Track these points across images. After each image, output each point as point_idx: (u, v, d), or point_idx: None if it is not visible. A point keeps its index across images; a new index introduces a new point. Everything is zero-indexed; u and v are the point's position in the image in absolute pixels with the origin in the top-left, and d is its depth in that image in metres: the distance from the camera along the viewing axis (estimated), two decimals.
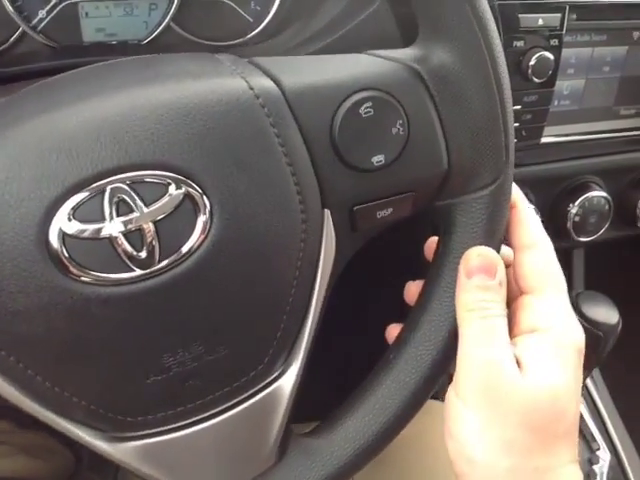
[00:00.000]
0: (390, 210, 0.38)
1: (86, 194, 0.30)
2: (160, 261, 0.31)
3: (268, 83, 0.35)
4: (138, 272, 0.31)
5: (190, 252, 0.31)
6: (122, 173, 0.30)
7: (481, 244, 0.38)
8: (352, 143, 0.35)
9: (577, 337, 0.37)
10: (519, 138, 0.60)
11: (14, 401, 0.33)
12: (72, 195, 0.30)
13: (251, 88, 0.34)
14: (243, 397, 0.36)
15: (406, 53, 0.38)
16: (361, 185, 0.36)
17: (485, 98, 0.37)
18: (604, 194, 0.67)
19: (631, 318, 0.71)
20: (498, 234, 0.40)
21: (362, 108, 0.35)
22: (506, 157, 0.38)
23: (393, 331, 0.44)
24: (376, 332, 0.48)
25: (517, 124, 0.59)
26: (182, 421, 0.35)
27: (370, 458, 0.39)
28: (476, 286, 0.37)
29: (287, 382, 0.37)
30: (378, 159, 0.36)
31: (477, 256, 0.37)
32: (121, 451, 0.35)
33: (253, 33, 0.58)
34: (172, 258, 0.31)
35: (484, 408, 0.35)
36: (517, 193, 0.40)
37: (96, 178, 0.30)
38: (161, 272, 0.31)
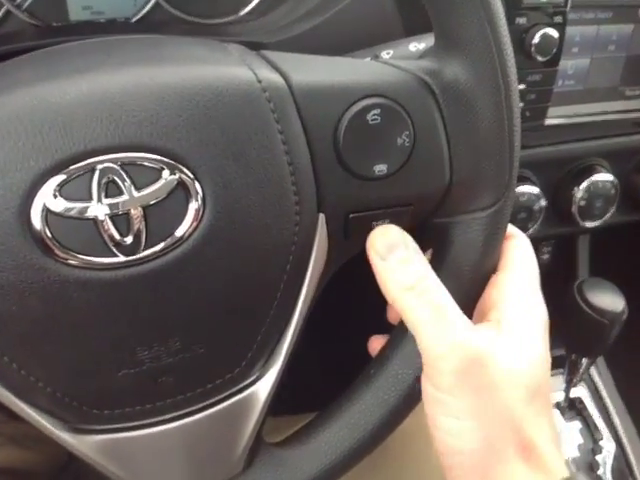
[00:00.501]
0: (386, 221, 0.36)
1: (75, 171, 0.28)
2: (145, 249, 0.29)
3: (276, 78, 0.33)
4: (121, 258, 0.29)
5: (177, 242, 0.30)
6: (115, 153, 0.29)
7: (475, 265, 0.38)
8: (355, 149, 0.34)
9: (543, 314, 0.37)
10: (523, 119, 0.57)
11: None
12: (60, 171, 0.28)
13: (259, 81, 0.32)
14: (216, 399, 0.35)
15: (419, 65, 0.37)
16: (359, 193, 0.35)
17: (494, 118, 0.36)
18: (610, 177, 0.65)
19: (636, 305, 0.69)
20: (493, 256, 0.39)
21: (369, 114, 0.34)
22: (509, 179, 0.37)
23: (375, 343, 0.43)
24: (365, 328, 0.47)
25: (521, 104, 0.57)
26: (150, 419, 0.34)
27: (340, 474, 0.38)
28: (396, 263, 0.35)
29: (263, 388, 0.36)
30: (380, 168, 0.35)
31: (381, 235, 0.36)
32: (83, 444, 0.33)
33: (244, 11, 0.56)
34: (158, 247, 0.30)
35: (471, 394, 0.33)
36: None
37: (87, 155, 0.29)
38: (145, 260, 0.30)
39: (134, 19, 0.54)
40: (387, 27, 0.53)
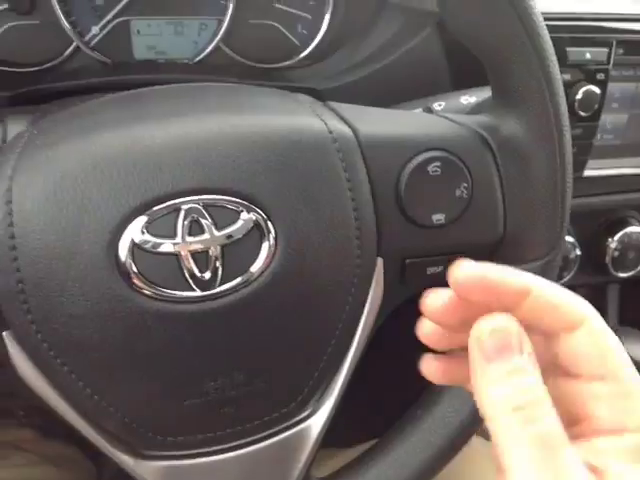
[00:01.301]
0: (440, 268, 0.38)
1: (162, 210, 0.30)
2: (221, 284, 0.31)
3: (345, 129, 0.35)
4: (198, 293, 0.31)
5: (250, 279, 0.31)
6: (200, 194, 0.31)
7: None
8: (416, 198, 0.36)
9: None
10: None
11: (50, 402, 0.33)
12: (148, 209, 0.30)
13: (330, 132, 0.35)
14: (272, 432, 0.36)
15: (477, 120, 0.39)
16: (417, 240, 0.37)
17: (548, 174, 0.37)
18: None
19: None
20: None
21: (430, 166, 0.36)
22: (560, 232, 0.39)
23: (429, 363, 0.33)
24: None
25: None
26: (209, 447, 0.35)
27: None
28: (507, 372, 0.26)
29: (316, 423, 0.37)
30: (438, 217, 0.36)
31: (492, 331, 0.27)
32: (144, 468, 0.34)
33: (300, 56, 0.58)
34: (233, 283, 0.31)
35: None
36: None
37: (174, 196, 0.31)
38: (220, 296, 0.31)
39: (194, 61, 0.57)
40: (436, 77, 0.55)
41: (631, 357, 0.65)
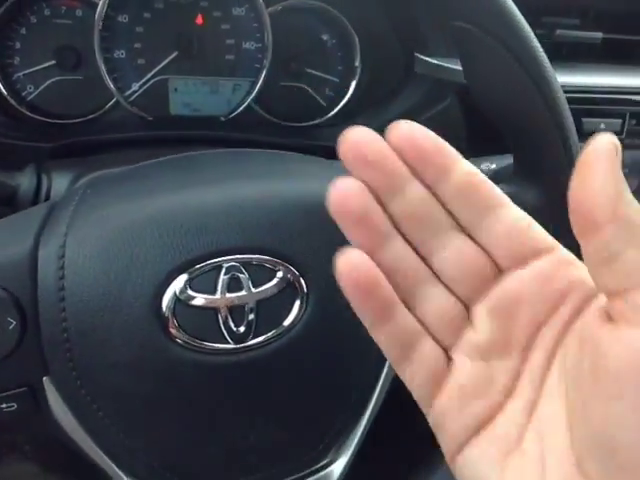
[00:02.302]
0: None
1: (205, 267, 0.32)
2: (254, 337, 0.33)
3: None
4: (232, 345, 0.33)
5: (281, 334, 0.33)
6: (240, 254, 0.33)
7: None
8: None
9: None
10: None
11: (83, 446, 0.34)
12: (192, 266, 0.32)
13: None
14: (292, 479, 0.37)
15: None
16: None
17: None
18: None
19: None
20: None
21: None
22: None
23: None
24: None
25: None
26: None
27: None
28: None
29: (335, 471, 0.38)
30: None
31: None
32: None
33: (326, 116, 0.61)
34: (264, 337, 0.33)
35: None
36: None
37: (217, 254, 0.33)
38: (252, 348, 0.33)
39: (227, 118, 0.60)
40: (455, 143, 0.57)
41: None
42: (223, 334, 0.32)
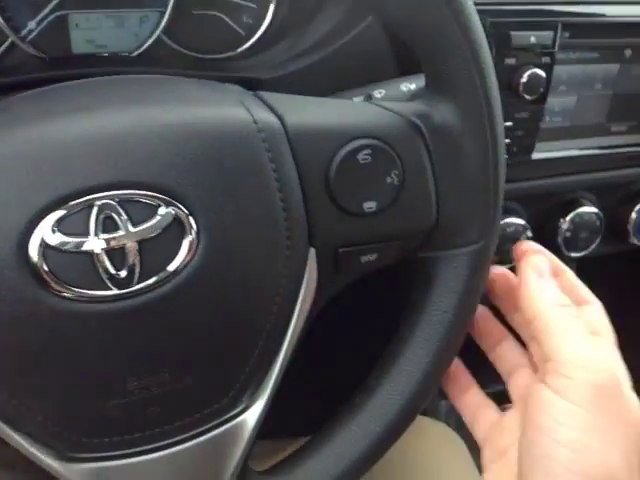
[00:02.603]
0: (374, 256, 0.38)
1: (73, 207, 0.30)
2: (139, 282, 0.31)
3: (272, 119, 0.35)
4: (115, 291, 0.31)
5: (170, 276, 0.31)
6: (114, 190, 0.30)
7: (459, 301, 0.39)
8: (346, 187, 0.36)
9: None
10: (510, 154, 0.60)
11: None
12: (59, 207, 0.30)
13: (255, 122, 0.34)
14: (203, 429, 0.36)
15: (410, 107, 0.38)
16: (349, 229, 0.37)
17: (480, 161, 0.38)
18: (595, 210, 0.67)
19: (626, 332, 0.71)
20: (477, 292, 0.41)
21: (360, 154, 0.36)
22: (493, 217, 0.39)
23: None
24: (362, 351, 0.48)
25: (508, 140, 0.59)
26: (138, 447, 0.35)
27: None
28: (555, 284, 0.39)
29: (250, 418, 0.37)
30: (369, 205, 0.36)
31: (544, 259, 0.40)
32: (72, 472, 0.34)
33: (244, 46, 0.57)
34: (151, 280, 0.31)
35: (606, 412, 0.33)
36: (557, 261, 0.43)
37: (87, 192, 0.30)
38: (138, 293, 0.31)
39: (135, 53, 0.56)
40: (382, 66, 0.54)
41: None
42: (103, 280, 0.30)
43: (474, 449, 0.73)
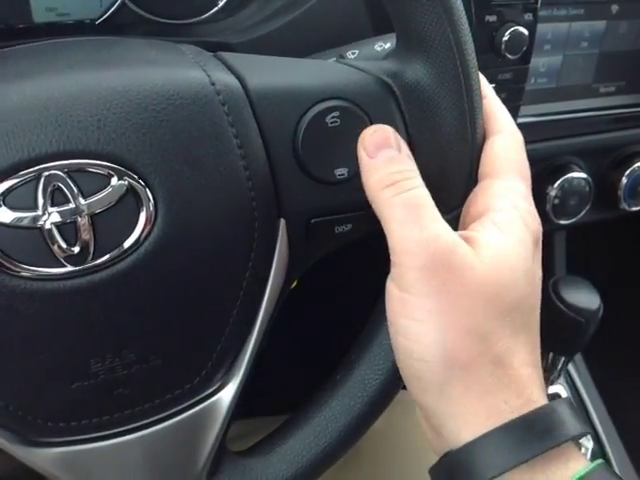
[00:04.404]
0: (349, 226, 0.36)
1: (19, 179, 0.28)
2: (94, 258, 0.29)
3: (231, 80, 0.33)
4: (69, 268, 0.29)
5: (127, 251, 0.29)
6: (61, 160, 0.28)
7: None
8: (315, 152, 0.34)
9: (534, 224, 0.34)
10: None
11: None
12: (3, 179, 0.28)
13: (212, 83, 0.32)
14: (175, 410, 0.34)
15: (380, 66, 0.36)
16: (321, 198, 0.35)
17: (455, 120, 0.35)
18: (584, 175, 0.65)
19: (614, 302, 0.69)
20: None
21: (328, 117, 0.34)
22: (473, 180, 0.37)
23: None
24: (344, 328, 0.47)
25: None
26: (107, 430, 0.33)
27: None
28: (382, 161, 0.33)
29: (225, 397, 0.35)
30: (341, 172, 0.34)
31: (373, 132, 0.34)
32: (39, 457, 0.33)
33: (212, 11, 0.55)
34: (107, 256, 0.29)
35: (434, 294, 0.31)
36: (485, 83, 0.38)
37: (32, 163, 0.28)
38: (94, 270, 0.29)
39: (99, 20, 0.53)
40: (356, 26, 0.52)
41: (575, 305, 0.64)
42: (56, 257, 0.28)
43: None
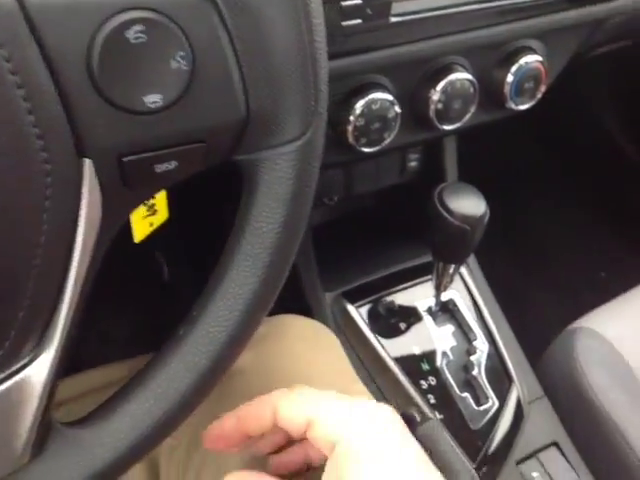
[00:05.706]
0: (174, 164, 0.31)
1: None
2: None
3: None
4: None
5: None
6: None
7: (286, 207, 0.34)
8: (117, 76, 0.28)
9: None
10: (365, 18, 0.53)
11: None
12: None
13: None
14: None
15: None
16: (131, 131, 0.30)
17: (290, 32, 0.31)
18: (468, 76, 0.61)
19: (508, 206, 0.69)
20: (305, 197, 0.35)
21: (131, 32, 0.28)
22: (316, 106, 0.33)
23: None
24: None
25: (360, 1, 0.52)
26: None
27: (151, 448, 0.35)
28: None
29: (37, 371, 0.31)
30: (153, 99, 0.29)
31: None
32: None
33: None
34: None
35: None
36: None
37: None
38: None
39: None
40: None
41: (459, 212, 0.61)
42: None
43: (350, 345, 0.72)
